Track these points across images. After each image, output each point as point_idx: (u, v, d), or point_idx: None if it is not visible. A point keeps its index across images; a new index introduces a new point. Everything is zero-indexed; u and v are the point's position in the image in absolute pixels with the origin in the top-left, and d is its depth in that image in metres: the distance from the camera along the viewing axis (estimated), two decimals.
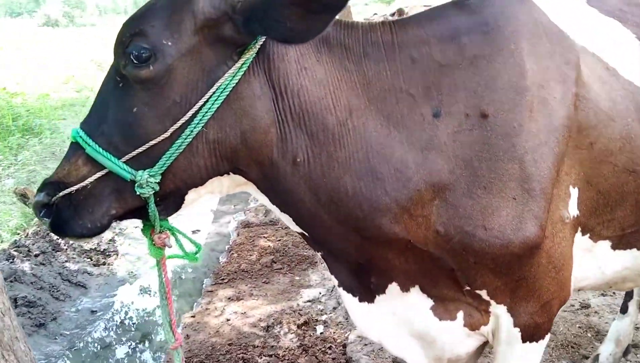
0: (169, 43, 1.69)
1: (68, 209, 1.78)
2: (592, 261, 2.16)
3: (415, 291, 2.03)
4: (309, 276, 5.75)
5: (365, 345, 4.30)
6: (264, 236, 6.74)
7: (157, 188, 1.77)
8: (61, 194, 1.77)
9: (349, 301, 2.15)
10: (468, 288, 1.96)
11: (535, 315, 2.03)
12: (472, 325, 2.06)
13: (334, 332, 4.63)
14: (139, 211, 1.85)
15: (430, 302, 2.04)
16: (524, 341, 2.07)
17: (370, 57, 1.86)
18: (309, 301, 5.23)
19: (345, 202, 1.85)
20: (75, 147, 1.80)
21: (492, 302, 1.99)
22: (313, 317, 4.91)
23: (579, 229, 2.05)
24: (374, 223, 1.86)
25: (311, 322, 4.83)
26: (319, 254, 2.17)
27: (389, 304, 2.09)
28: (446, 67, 1.85)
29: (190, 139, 1.73)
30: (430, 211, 1.85)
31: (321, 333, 4.68)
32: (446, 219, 1.85)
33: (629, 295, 3.61)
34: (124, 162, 1.74)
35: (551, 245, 1.92)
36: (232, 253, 6.38)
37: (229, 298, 5.37)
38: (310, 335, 4.64)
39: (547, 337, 2.14)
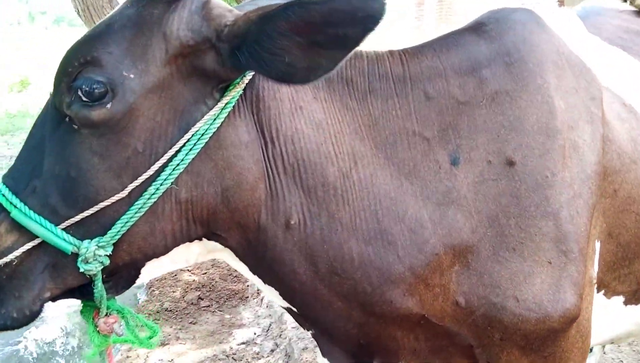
0: (131, 75, 1.32)
1: None
2: (605, 319, 1.93)
3: None
4: (240, 314, 5.30)
5: None
6: (188, 269, 6.21)
7: (107, 262, 1.37)
8: None
9: None
10: None
11: None
12: None
13: None
14: (79, 289, 1.44)
15: None
16: None
17: (378, 93, 1.54)
18: (243, 343, 4.79)
19: (350, 273, 1.51)
20: None
21: None
22: (249, 362, 4.49)
23: (595, 286, 1.80)
24: (384, 297, 1.53)
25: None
26: (308, 332, 1.79)
27: None
28: (465, 105, 1.56)
29: (155, 199, 1.36)
30: (449, 279, 1.55)
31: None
32: (468, 288, 1.54)
33: None
34: (64, 229, 1.35)
35: (584, 312, 1.67)
36: (153, 290, 5.80)
37: None
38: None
39: None
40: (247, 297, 5.49)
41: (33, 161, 1.39)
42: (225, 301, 5.53)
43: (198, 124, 1.36)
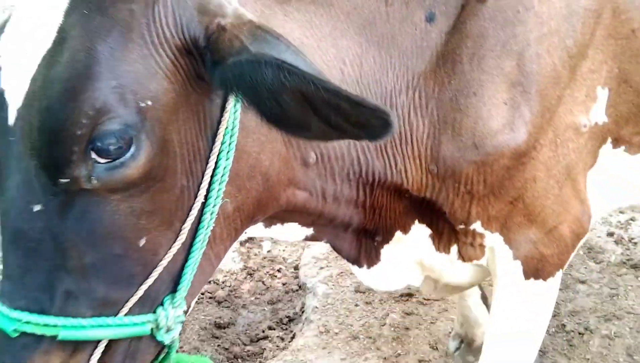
0: (149, 102, 1.07)
1: None
2: (635, 177, 1.92)
3: (414, 225, 1.83)
4: None
5: (322, 268, 3.72)
6: None
7: (184, 318, 1.27)
8: None
9: (360, 272, 1.97)
10: (462, 226, 1.74)
11: (540, 244, 1.75)
12: (465, 257, 1.85)
13: (283, 250, 3.97)
14: None
15: (428, 231, 1.84)
16: (527, 277, 1.78)
17: None
18: None
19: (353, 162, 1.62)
20: (23, 345, 1.07)
21: (487, 233, 1.74)
22: None
23: (609, 140, 1.79)
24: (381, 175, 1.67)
25: (256, 237, 4.07)
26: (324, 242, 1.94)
27: (392, 249, 1.89)
28: None
29: (212, 225, 1.25)
30: (424, 148, 1.63)
31: (268, 251, 4.02)
32: (437, 153, 1.62)
33: None
34: (128, 314, 1.16)
35: (551, 156, 1.66)
36: None
37: None
38: (256, 255, 3.97)
39: (558, 274, 1.84)
40: None
41: (42, 265, 1.08)
42: None
43: (223, 123, 1.22)
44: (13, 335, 1.03)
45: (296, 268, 3.87)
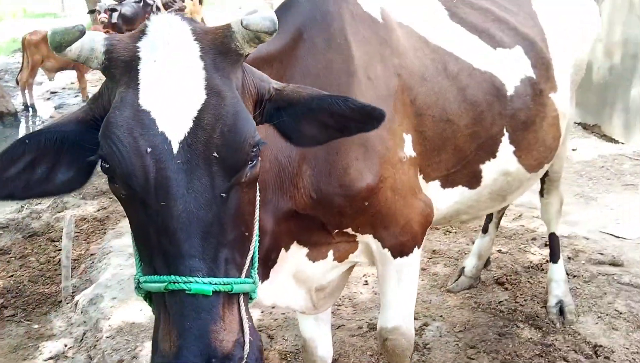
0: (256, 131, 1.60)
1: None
2: (434, 198, 2.57)
3: (294, 245, 2.37)
4: (51, 323, 4.55)
5: None
6: None
7: None
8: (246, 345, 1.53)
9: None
10: (337, 230, 2.36)
11: (399, 235, 2.43)
12: (341, 257, 2.47)
13: None
14: None
15: (305, 250, 2.40)
16: (394, 257, 2.49)
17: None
18: (51, 358, 4.08)
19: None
20: (215, 298, 1.47)
21: (358, 234, 2.41)
22: None
23: (419, 170, 2.48)
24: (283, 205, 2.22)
25: None
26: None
27: (278, 267, 2.34)
28: (298, 57, 2.26)
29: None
30: (305, 182, 2.21)
31: None
32: (315, 186, 2.21)
33: (489, 218, 4.33)
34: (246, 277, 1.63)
35: (393, 181, 2.31)
36: None
37: None
38: None
39: (417, 250, 2.53)
40: (60, 302, 4.75)
41: (213, 243, 1.49)
42: (33, 309, 4.74)
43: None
44: (210, 295, 1.43)
45: None
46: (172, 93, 1.48)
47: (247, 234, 1.61)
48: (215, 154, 1.47)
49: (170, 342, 1.41)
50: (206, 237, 1.47)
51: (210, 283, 1.44)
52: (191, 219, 1.44)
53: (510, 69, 2.75)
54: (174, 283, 1.42)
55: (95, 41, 1.53)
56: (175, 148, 1.45)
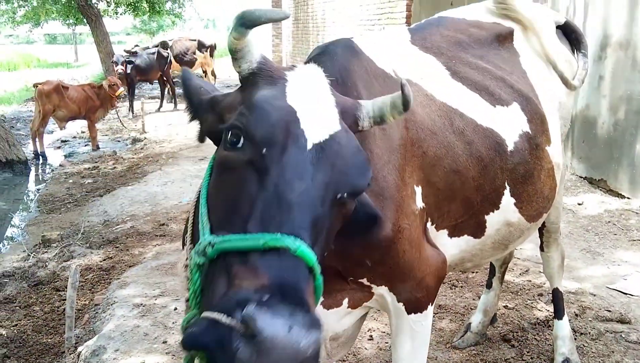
0: None
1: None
2: (441, 246, 2.58)
3: None
4: None
5: None
6: None
7: None
8: None
9: None
10: (352, 278, 2.37)
11: (415, 290, 2.43)
12: (355, 304, 2.46)
13: None
14: None
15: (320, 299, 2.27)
16: (409, 313, 2.49)
17: None
18: None
19: None
20: (308, 276, 1.53)
21: (373, 286, 2.41)
22: None
23: (429, 219, 2.52)
24: None
25: None
26: None
27: None
28: None
29: None
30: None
31: None
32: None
33: (492, 273, 4.36)
34: None
35: (410, 232, 2.33)
36: None
37: None
38: None
39: (430, 307, 2.54)
40: (63, 352, 4.72)
41: (314, 231, 1.60)
42: (36, 359, 4.70)
43: None
44: (312, 264, 1.50)
45: None
46: (314, 109, 1.70)
47: (324, 248, 1.70)
48: (342, 168, 1.65)
49: (253, 285, 1.37)
50: (313, 222, 1.57)
51: (313, 256, 1.51)
52: (307, 201, 1.57)
53: (509, 125, 2.86)
54: (278, 240, 1.45)
55: (252, 44, 1.73)
56: (309, 145, 1.62)
